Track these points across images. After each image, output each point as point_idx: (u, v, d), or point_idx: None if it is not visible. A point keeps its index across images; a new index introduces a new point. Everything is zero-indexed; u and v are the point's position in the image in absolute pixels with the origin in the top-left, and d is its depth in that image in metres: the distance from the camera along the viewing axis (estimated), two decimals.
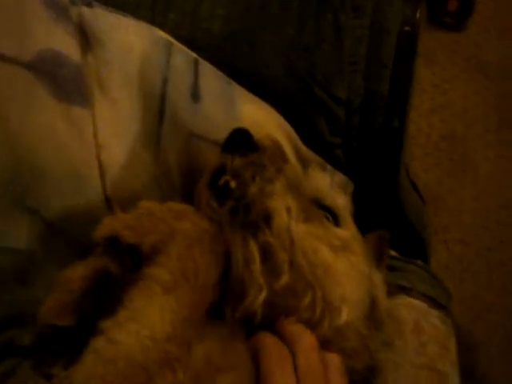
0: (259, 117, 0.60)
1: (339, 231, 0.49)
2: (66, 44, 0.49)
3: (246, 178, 0.46)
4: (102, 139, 0.50)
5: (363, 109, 0.70)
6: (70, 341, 0.42)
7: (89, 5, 0.54)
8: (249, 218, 0.45)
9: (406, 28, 0.74)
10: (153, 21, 0.63)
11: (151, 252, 0.43)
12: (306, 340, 0.42)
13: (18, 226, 0.46)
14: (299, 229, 0.45)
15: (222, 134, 0.52)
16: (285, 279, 0.43)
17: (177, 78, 0.56)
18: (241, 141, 0.48)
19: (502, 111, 1.44)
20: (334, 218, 0.50)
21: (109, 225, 0.45)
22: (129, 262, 0.44)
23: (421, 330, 0.62)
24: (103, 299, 0.43)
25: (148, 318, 0.38)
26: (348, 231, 0.50)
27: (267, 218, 0.44)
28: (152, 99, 0.54)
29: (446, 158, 1.37)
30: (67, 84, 0.49)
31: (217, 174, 0.47)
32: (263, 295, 0.43)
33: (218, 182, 0.46)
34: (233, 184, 0.46)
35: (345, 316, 0.44)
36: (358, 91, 0.69)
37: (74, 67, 0.49)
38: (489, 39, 1.53)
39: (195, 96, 0.56)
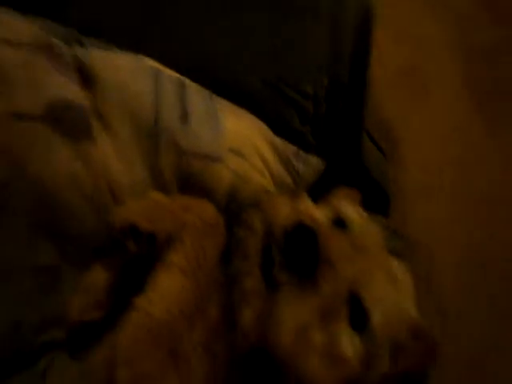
0: (240, 127, 0.70)
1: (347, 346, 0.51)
2: (69, 90, 0.59)
3: None
4: (109, 165, 0.61)
5: (328, 98, 0.83)
6: (100, 329, 0.55)
7: (81, 44, 0.63)
8: None
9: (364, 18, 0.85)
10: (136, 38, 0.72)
11: (166, 239, 0.56)
12: None
13: (44, 248, 0.58)
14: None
15: (208, 149, 0.64)
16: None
17: (167, 106, 0.65)
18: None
19: (457, 38, 1.54)
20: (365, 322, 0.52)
21: (125, 214, 0.57)
22: (145, 245, 0.56)
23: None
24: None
25: (175, 297, 0.51)
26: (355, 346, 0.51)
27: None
28: (147, 126, 0.63)
29: (406, 89, 1.48)
30: (75, 124, 0.59)
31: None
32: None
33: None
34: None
35: None
36: (323, 84, 0.82)
37: (79, 108, 0.60)
38: None
39: (184, 118, 0.65)
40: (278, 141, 0.76)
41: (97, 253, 0.61)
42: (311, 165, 0.80)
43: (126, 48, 0.68)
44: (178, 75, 0.69)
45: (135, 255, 0.58)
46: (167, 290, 0.51)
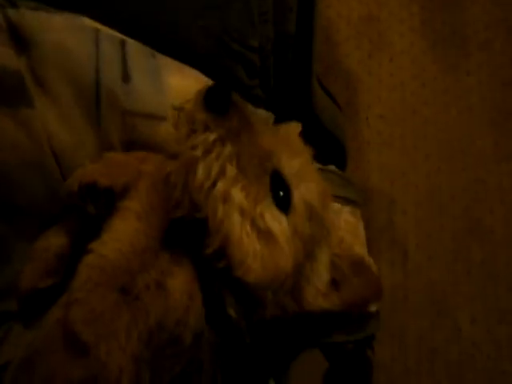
0: (184, 84, 0.68)
1: (274, 220, 0.52)
2: (3, 55, 0.57)
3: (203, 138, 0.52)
4: (51, 130, 0.60)
5: (275, 50, 0.82)
6: (55, 296, 0.53)
7: (14, 5, 0.61)
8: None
9: None
10: None
11: (123, 191, 0.56)
12: None
13: None
14: (221, 188, 0.50)
15: (152, 108, 0.63)
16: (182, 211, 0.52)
17: (107, 65, 0.63)
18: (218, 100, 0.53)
19: None
20: (286, 203, 0.54)
21: (84, 174, 0.57)
22: (104, 203, 0.57)
23: (337, 228, 0.72)
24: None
25: (127, 238, 0.51)
26: (286, 225, 0.53)
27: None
28: (88, 88, 0.62)
29: (365, 39, 1.48)
30: (12, 91, 0.58)
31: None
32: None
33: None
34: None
35: (242, 274, 0.50)
36: (269, 36, 0.80)
37: (15, 73, 0.58)
38: None
39: (125, 77, 0.64)
40: None
41: (46, 222, 0.61)
42: (260, 119, 0.80)
43: (63, 8, 0.66)
44: (117, 34, 0.67)
45: (92, 217, 0.57)
46: (120, 232, 0.52)
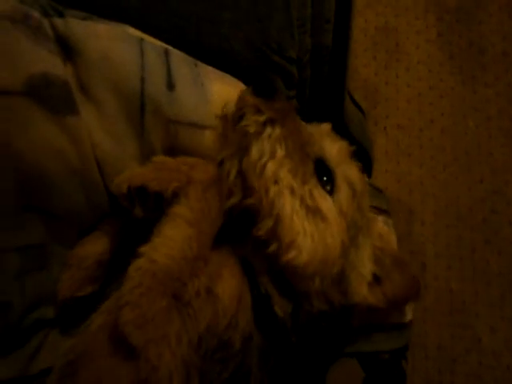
0: (227, 93, 0.69)
1: (321, 198, 0.55)
2: (50, 63, 0.58)
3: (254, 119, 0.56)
4: (95, 138, 0.60)
5: (312, 62, 0.83)
6: (94, 303, 0.55)
7: (60, 15, 0.61)
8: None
9: None
10: (117, 7, 0.70)
11: (172, 197, 0.57)
12: None
13: (29, 226, 0.58)
14: (271, 168, 0.54)
15: (196, 117, 0.64)
16: (235, 198, 0.56)
17: (152, 74, 0.63)
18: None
19: None
20: (332, 186, 0.57)
21: (133, 176, 0.58)
22: (152, 207, 0.58)
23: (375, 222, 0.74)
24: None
25: (179, 244, 0.52)
26: (332, 204, 0.56)
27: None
28: (132, 96, 0.62)
29: (382, 50, 1.49)
30: (58, 99, 0.58)
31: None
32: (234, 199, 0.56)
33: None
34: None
35: (293, 256, 0.53)
36: (307, 48, 0.81)
37: (62, 82, 0.58)
38: None
39: (169, 85, 0.64)
40: None
41: (85, 230, 0.61)
42: None
43: (107, 17, 0.66)
44: (160, 43, 0.68)
45: (135, 223, 0.58)
46: (171, 238, 0.52)
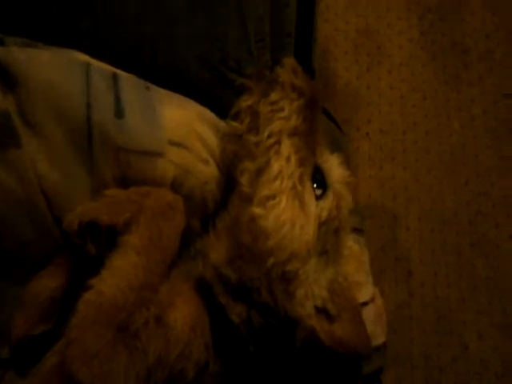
0: (180, 117, 0.67)
1: (309, 190, 0.58)
2: None
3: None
4: (40, 170, 0.59)
5: None
6: (49, 341, 0.55)
7: (1, 42, 0.60)
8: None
9: None
10: (66, 31, 0.69)
11: (124, 227, 0.56)
12: None
13: None
14: (280, 126, 0.59)
15: (147, 144, 0.62)
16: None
17: (99, 101, 0.61)
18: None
19: None
20: (322, 193, 0.60)
21: (84, 212, 0.57)
22: (105, 242, 0.56)
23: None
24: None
25: (125, 274, 0.52)
26: (316, 204, 0.58)
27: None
28: (79, 125, 0.60)
29: (364, 52, 1.47)
30: (0, 132, 0.56)
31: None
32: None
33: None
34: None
35: (270, 243, 0.55)
36: (267, 64, 0.79)
37: (2, 113, 0.57)
38: None
39: (118, 112, 0.62)
40: (222, 125, 0.74)
41: (38, 264, 0.60)
42: None
43: (53, 42, 0.64)
44: (110, 67, 0.66)
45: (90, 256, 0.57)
46: (119, 267, 0.52)
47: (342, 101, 1.40)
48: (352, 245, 0.83)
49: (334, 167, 0.63)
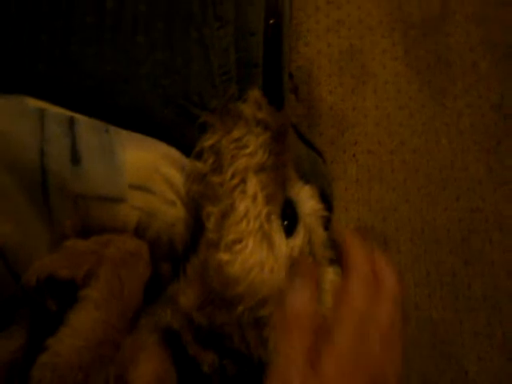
0: (141, 159, 0.65)
1: (278, 229, 0.56)
2: None
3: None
4: None
5: None
6: None
7: None
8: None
9: (271, 21, 0.81)
10: (22, 74, 0.66)
11: (85, 280, 0.54)
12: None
13: None
14: (245, 163, 0.56)
15: (106, 190, 0.60)
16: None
17: (54, 148, 0.59)
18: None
19: (394, 14, 1.51)
20: (291, 228, 0.58)
21: (41, 267, 0.55)
22: (66, 296, 0.54)
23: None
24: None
25: (83, 331, 0.49)
26: (286, 243, 0.56)
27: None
28: (33, 174, 0.58)
29: (348, 74, 1.45)
30: None
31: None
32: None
33: None
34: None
35: (239, 290, 0.53)
36: (234, 96, 0.77)
37: None
38: None
39: (75, 159, 0.60)
40: (188, 163, 0.72)
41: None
42: None
43: (8, 86, 0.63)
44: (66, 112, 0.64)
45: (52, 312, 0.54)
46: (76, 325, 0.50)
47: (327, 124, 1.38)
48: (333, 279, 0.80)
49: (305, 200, 0.61)
